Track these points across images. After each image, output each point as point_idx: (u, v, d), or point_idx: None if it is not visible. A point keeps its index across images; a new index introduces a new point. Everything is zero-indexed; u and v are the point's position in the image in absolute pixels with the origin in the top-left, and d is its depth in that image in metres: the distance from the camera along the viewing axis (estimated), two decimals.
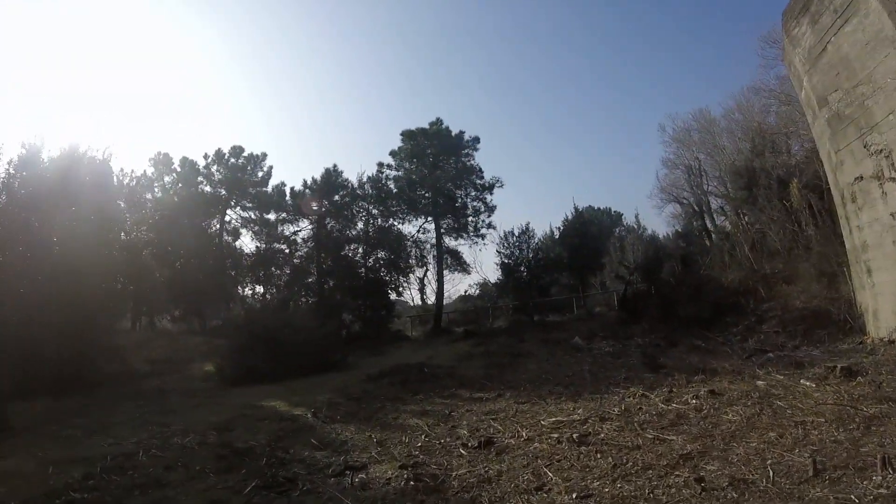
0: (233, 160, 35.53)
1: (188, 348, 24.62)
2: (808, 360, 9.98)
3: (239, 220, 35.74)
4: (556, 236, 34.15)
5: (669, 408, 7.64)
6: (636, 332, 18.30)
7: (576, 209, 31.69)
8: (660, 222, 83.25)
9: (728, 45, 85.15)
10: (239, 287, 34.82)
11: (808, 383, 8.00)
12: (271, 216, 34.99)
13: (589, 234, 31.45)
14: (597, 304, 32.45)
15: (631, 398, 8.66)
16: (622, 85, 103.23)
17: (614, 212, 51.06)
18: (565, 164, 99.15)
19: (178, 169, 35.24)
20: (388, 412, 9.98)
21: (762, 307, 16.82)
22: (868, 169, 11.01)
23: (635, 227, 44.62)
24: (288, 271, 33.25)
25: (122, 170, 32.83)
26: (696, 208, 37.71)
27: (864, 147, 11.10)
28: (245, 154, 35.90)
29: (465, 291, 35.02)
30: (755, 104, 32.32)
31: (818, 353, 11.07)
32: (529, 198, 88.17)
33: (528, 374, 12.95)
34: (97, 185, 19.87)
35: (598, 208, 47.40)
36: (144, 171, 35.04)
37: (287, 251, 33.87)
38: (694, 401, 7.84)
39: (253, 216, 35.52)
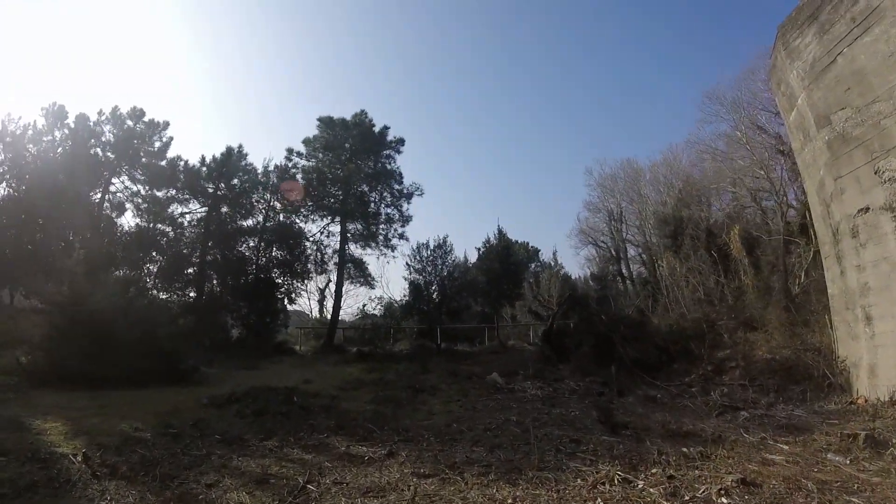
0: (129, 123, 30.54)
1: (24, 329, 19.69)
2: (797, 423, 8.39)
3: (126, 194, 30.61)
4: (474, 260, 30.97)
5: None
6: (565, 374, 15.37)
7: (500, 231, 28.67)
8: (574, 264, 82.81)
9: (662, 100, 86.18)
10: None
11: (837, 458, 6.12)
12: (161, 194, 29.98)
13: (511, 260, 28.34)
14: (510, 336, 29.66)
15: (607, 486, 5.37)
16: (557, 122, 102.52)
17: (531, 246, 49.27)
18: (488, 188, 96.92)
19: (72, 125, 29.97)
20: (208, 468, 6.27)
21: (718, 355, 14.63)
22: (878, 199, 9.43)
23: (551, 263, 43.20)
24: (165, 258, 28.33)
25: (8, 115, 28.70)
26: (614, 253, 38.77)
27: (875, 173, 9.47)
28: (146, 119, 31.01)
29: (364, 306, 31.00)
30: (685, 158, 33.88)
31: (802, 413, 9.38)
32: (447, 215, 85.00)
33: (432, 421, 9.56)
34: None
35: (516, 241, 45.16)
36: (34, 121, 29.82)
37: (172, 234, 28.99)
38: (724, 499, 4.84)
39: (142, 190, 30.47)
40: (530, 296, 32.22)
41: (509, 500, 5.03)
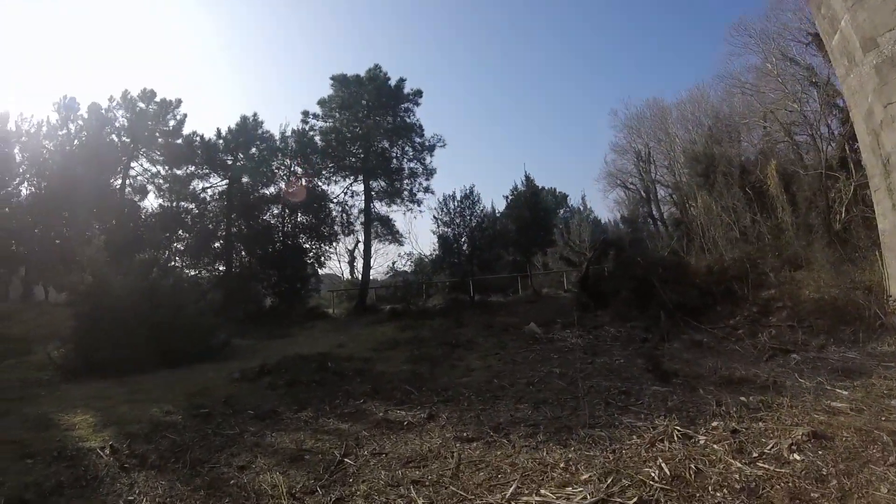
0: (141, 105, 30.17)
1: (56, 323, 19.79)
2: (852, 367, 7.60)
3: (146, 176, 30.40)
4: (502, 209, 30.17)
5: (758, 471, 4.08)
6: (605, 321, 14.76)
7: (527, 178, 27.55)
8: (603, 208, 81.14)
9: (685, 39, 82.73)
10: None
11: None
12: (181, 172, 29.66)
13: (541, 206, 27.50)
14: (543, 284, 29.14)
15: (666, 443, 4.87)
16: (579, 64, 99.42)
17: (559, 192, 48.40)
18: (511, 136, 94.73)
19: (85, 115, 29.83)
20: (240, 448, 5.92)
21: (762, 296, 13.69)
22: None
23: (580, 208, 42.43)
24: (191, 235, 28.18)
25: (21, 115, 29.12)
26: (644, 194, 38.02)
27: None
28: (157, 99, 30.59)
29: (393, 263, 30.49)
30: (713, 94, 32.67)
31: (855, 355, 8.52)
32: (472, 166, 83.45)
33: (472, 378, 9.13)
34: None
35: (543, 188, 44.24)
36: (47, 117, 29.77)
37: (196, 211, 28.79)
38: (796, 455, 4.32)
39: (162, 171, 30.20)
40: (561, 242, 31.57)
41: (561, 464, 4.56)
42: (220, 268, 27.53)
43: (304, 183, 28.65)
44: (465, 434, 5.68)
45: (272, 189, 29.02)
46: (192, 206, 28.76)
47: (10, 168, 28.01)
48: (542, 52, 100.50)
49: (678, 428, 5.12)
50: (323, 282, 36.43)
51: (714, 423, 5.28)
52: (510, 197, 27.92)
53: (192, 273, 26.98)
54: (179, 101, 30.75)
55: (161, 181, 29.73)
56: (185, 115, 30.52)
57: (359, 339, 15.08)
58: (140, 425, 7.05)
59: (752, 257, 16.19)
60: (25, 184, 28.77)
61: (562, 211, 44.38)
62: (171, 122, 30.66)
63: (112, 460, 5.62)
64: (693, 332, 12.04)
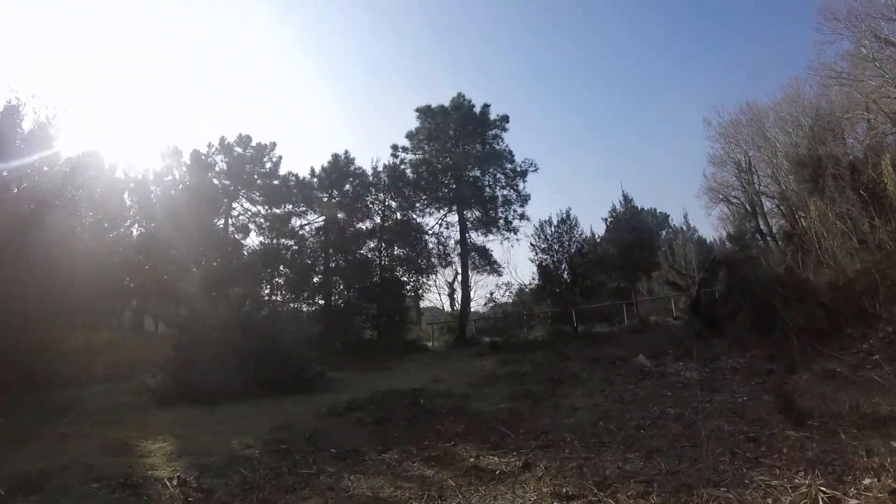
0: (238, 150, 31.42)
1: (159, 352, 20.49)
2: None
3: (247, 216, 31.51)
4: (601, 233, 28.77)
5: None
6: (721, 350, 13.34)
7: (625, 198, 26.18)
8: (706, 226, 76.53)
9: (773, 32, 77.69)
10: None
11: None
12: (279, 210, 30.56)
13: (643, 227, 25.95)
14: (650, 312, 27.46)
15: None
16: (664, 73, 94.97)
17: (659, 212, 46.02)
18: (600, 157, 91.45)
19: (188, 162, 31.38)
20: (313, 490, 5.46)
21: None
22: None
23: (683, 228, 40.17)
24: (291, 270, 28.74)
25: (128, 163, 31.09)
26: (749, 208, 34.87)
27: None
28: (253, 144, 31.77)
29: (491, 294, 29.59)
30: (807, 89, 30.09)
31: None
32: (566, 189, 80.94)
33: (575, 419, 8.23)
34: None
35: (643, 208, 42.28)
36: (152, 165, 31.68)
37: (294, 247, 29.41)
38: None
39: (262, 210, 31.24)
40: (666, 266, 29.79)
41: None
42: (320, 301, 27.72)
43: (398, 216, 28.69)
44: (564, 490, 4.81)
45: (368, 224, 29.17)
46: (290, 242, 29.36)
47: (121, 212, 29.65)
48: (622, 67, 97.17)
49: (823, 489, 4.05)
50: (424, 314, 36.29)
51: (866, 481, 4.19)
52: (609, 219, 26.56)
53: (293, 306, 27.34)
54: (274, 145, 31.74)
55: (262, 220, 30.65)
56: (281, 157, 31.44)
57: (456, 374, 14.40)
58: (216, 457, 6.80)
59: (880, 268, 14.34)
60: (136, 226, 30.31)
61: (664, 232, 42.03)
62: (268, 164, 31.66)
63: (178, 492, 5.39)
64: (823, 360, 10.57)
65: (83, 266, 17.32)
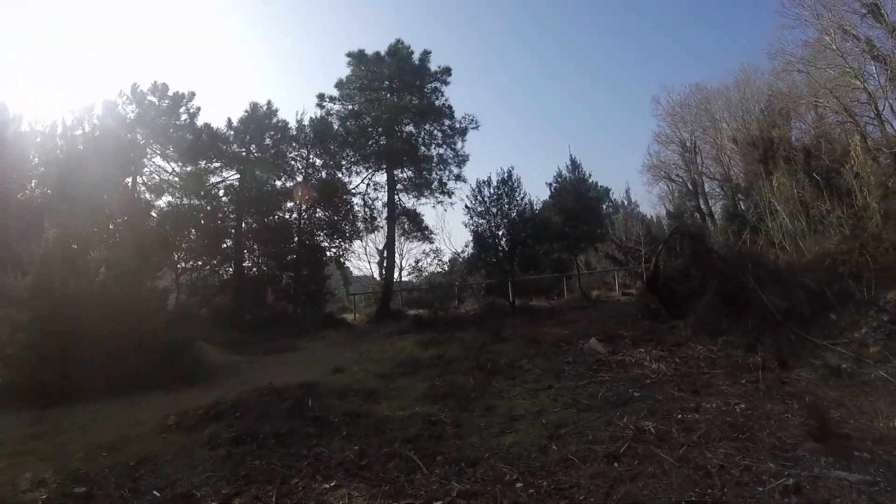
0: (151, 98, 27.39)
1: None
2: None
3: (161, 174, 27.71)
4: (543, 199, 26.28)
5: None
6: (686, 333, 11.26)
7: (573, 162, 23.66)
8: (645, 203, 75.75)
9: (729, 18, 77.01)
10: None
11: None
12: (193, 167, 26.81)
13: (590, 196, 23.65)
14: (589, 287, 25.53)
15: None
16: (617, 43, 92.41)
17: (601, 186, 44.46)
18: (547, 121, 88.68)
19: (100, 113, 27.23)
20: None
21: (891, 297, 10.30)
22: None
23: (625, 202, 38.99)
24: (199, 234, 25.25)
25: (36, 118, 27.07)
26: (691, 187, 35.90)
27: None
28: (169, 93, 27.78)
29: (417, 262, 26.88)
30: (761, 74, 31.71)
31: None
32: (507, 153, 77.84)
33: (515, 438, 5.88)
34: None
35: (590, 174, 40.72)
36: (62, 117, 27.30)
37: (208, 207, 25.90)
38: None
39: (176, 168, 27.52)
40: (609, 238, 28.09)
41: None
42: (229, 269, 24.59)
43: (323, 175, 25.74)
44: None
45: (288, 182, 26.04)
46: (202, 202, 25.91)
47: (28, 171, 25.90)
48: (576, 29, 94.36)
49: None
50: (352, 284, 33.88)
51: None
52: (553, 184, 23.90)
53: (195, 276, 24.26)
54: (193, 94, 27.58)
55: (175, 178, 27.05)
56: (199, 108, 27.33)
57: (369, 359, 11.82)
58: None
59: (865, 248, 12.69)
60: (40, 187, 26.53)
61: (604, 206, 40.56)
62: (184, 116, 27.86)
63: None
64: (816, 351, 8.75)
65: None
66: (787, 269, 12.96)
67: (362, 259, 29.07)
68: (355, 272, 31.79)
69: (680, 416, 6.14)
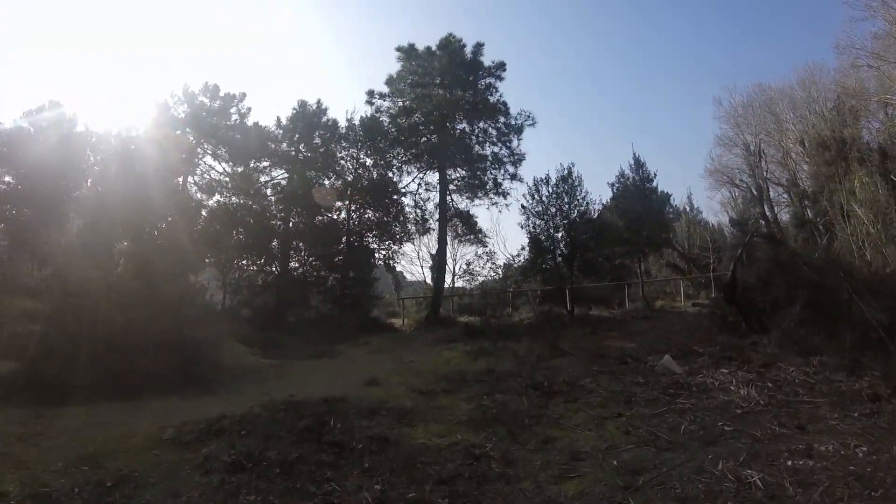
0: (202, 99, 27.05)
1: None
2: None
3: (213, 174, 27.31)
4: (604, 201, 24.28)
5: None
6: (772, 350, 9.73)
7: (636, 161, 21.71)
8: (707, 210, 72.27)
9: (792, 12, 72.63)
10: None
11: None
12: (243, 168, 26.26)
13: (653, 197, 21.74)
14: (653, 296, 23.77)
15: None
16: (679, 43, 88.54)
17: (661, 191, 42.28)
18: (604, 126, 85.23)
19: (154, 115, 26.97)
20: None
21: None
22: None
23: (687, 208, 36.96)
24: (248, 234, 24.50)
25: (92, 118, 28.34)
26: (755, 193, 33.92)
27: None
28: (221, 94, 27.36)
29: (468, 265, 25.63)
30: (829, 70, 30.04)
31: None
32: (562, 152, 75.22)
33: (578, 485, 4.63)
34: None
35: (655, 174, 38.79)
36: (116, 119, 27.63)
37: (255, 207, 25.19)
38: None
39: (227, 168, 27.06)
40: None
41: None
42: (275, 268, 23.80)
43: (374, 175, 24.73)
44: None
45: (338, 182, 25.11)
46: (249, 201, 25.27)
47: (84, 170, 25.92)
48: (633, 30, 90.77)
49: None
50: (403, 289, 32.92)
51: None
52: (616, 185, 21.96)
53: (240, 276, 23.66)
54: (244, 95, 27.11)
55: (226, 178, 26.59)
56: (250, 109, 26.82)
57: (410, 369, 10.63)
58: None
59: None
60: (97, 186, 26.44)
61: (666, 211, 38.52)
62: (235, 117, 27.40)
63: None
64: None
65: None
66: (883, 279, 11.25)
67: (415, 263, 27.70)
68: (409, 277, 30.69)
69: (790, 461, 4.74)
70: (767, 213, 32.87)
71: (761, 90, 34.42)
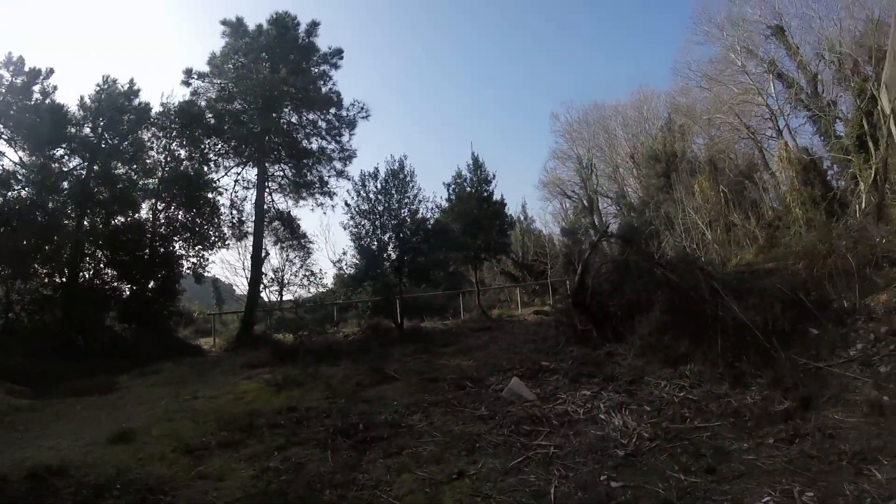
0: (2, 72, 21.84)
1: None
2: None
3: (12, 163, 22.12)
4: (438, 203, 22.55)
5: None
6: (634, 363, 8.58)
7: (475, 161, 20.39)
8: (537, 220, 74.64)
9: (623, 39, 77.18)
10: None
11: None
12: (37, 155, 21.44)
13: (492, 200, 20.50)
14: (489, 305, 22.67)
15: None
16: (521, 58, 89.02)
17: (497, 198, 42.39)
18: (443, 125, 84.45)
19: None
20: None
21: (869, 304, 8.57)
22: None
23: (521, 217, 37.44)
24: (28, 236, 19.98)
25: None
26: (586, 204, 36.96)
27: None
28: (27, 69, 22.21)
29: (278, 272, 23.70)
30: (665, 90, 33.95)
31: None
32: (403, 149, 73.61)
33: None
34: None
35: (494, 176, 38.54)
36: None
37: (50, 205, 20.55)
38: None
39: (24, 156, 21.98)
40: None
41: None
42: (63, 279, 19.71)
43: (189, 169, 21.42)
44: None
45: (147, 178, 21.43)
46: (30, 192, 20.70)
47: None
48: (480, 33, 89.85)
49: None
50: (225, 302, 29.88)
51: None
52: (452, 185, 20.61)
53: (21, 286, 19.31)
54: (51, 71, 22.31)
55: (24, 169, 21.66)
56: (56, 87, 21.95)
57: (188, 409, 8.12)
58: None
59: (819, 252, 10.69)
60: None
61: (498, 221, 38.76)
62: (37, 96, 22.49)
63: None
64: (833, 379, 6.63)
65: None
66: (741, 278, 10.79)
67: (239, 274, 24.43)
68: (237, 290, 28.06)
69: None
70: (597, 223, 34.80)
71: (596, 108, 37.76)
